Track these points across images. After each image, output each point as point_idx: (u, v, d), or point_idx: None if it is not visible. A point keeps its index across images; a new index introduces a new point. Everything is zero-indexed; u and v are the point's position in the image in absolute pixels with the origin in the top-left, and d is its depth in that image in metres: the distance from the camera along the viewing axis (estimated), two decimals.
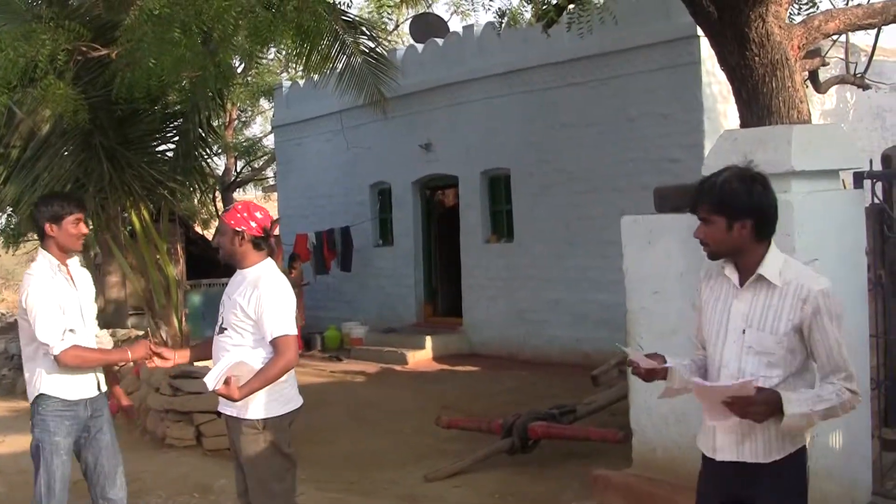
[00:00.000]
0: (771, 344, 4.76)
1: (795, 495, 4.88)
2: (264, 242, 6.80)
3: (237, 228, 6.67)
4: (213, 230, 29.28)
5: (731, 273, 4.97)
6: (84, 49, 13.18)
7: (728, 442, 4.93)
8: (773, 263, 4.85)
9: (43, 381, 7.08)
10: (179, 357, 7.39)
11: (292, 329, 6.63)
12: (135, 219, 16.71)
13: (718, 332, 4.98)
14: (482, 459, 11.34)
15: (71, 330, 7.02)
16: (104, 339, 7.98)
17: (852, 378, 4.70)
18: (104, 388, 7.45)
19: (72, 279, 7.23)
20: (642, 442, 8.57)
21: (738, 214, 4.80)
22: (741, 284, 4.92)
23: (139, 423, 13.56)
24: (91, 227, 17.63)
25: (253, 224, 6.70)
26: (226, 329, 6.69)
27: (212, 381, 6.30)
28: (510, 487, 10.63)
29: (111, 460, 7.43)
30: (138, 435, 13.55)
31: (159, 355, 7.03)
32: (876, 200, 7.84)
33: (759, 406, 4.59)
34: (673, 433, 8.25)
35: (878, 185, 7.85)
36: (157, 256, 16.96)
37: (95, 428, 7.33)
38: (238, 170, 39.21)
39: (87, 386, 7.26)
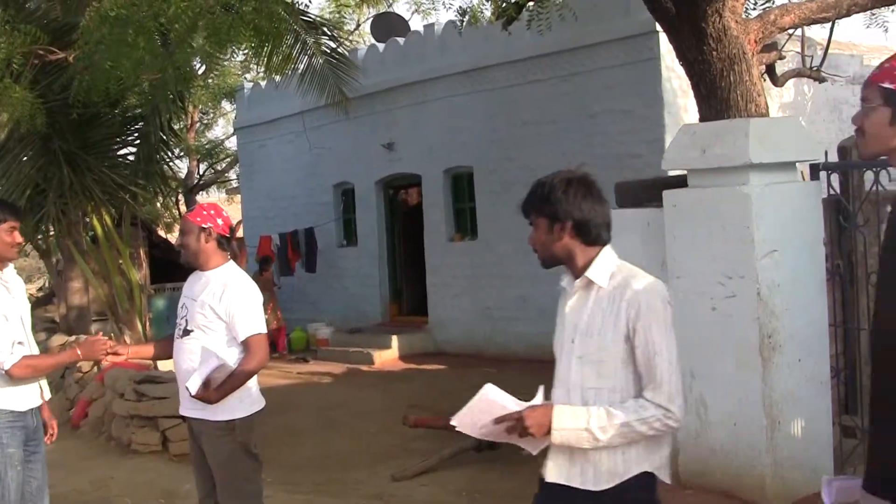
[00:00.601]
0: (596, 351, 4.52)
1: None
2: (228, 243, 6.82)
3: (203, 225, 6.68)
4: (176, 234, 29.20)
5: (567, 282, 4.73)
6: (41, 52, 13.14)
7: (558, 463, 4.63)
8: (603, 267, 4.59)
9: None
10: (136, 352, 7.38)
11: (263, 328, 6.69)
12: (96, 224, 16.68)
13: (556, 341, 4.77)
14: (449, 458, 11.34)
15: (19, 342, 6.95)
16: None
17: (662, 391, 4.38)
18: (48, 395, 7.39)
19: (8, 288, 7.13)
20: None
21: (556, 216, 4.58)
22: (573, 291, 4.69)
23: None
24: (52, 232, 17.58)
25: (220, 221, 6.73)
26: (192, 331, 6.68)
27: (194, 385, 6.32)
28: (478, 485, 10.64)
29: (44, 471, 7.37)
30: (104, 441, 13.52)
31: (114, 353, 6.98)
32: (832, 192, 7.90)
33: (529, 421, 4.40)
34: None
35: (835, 177, 7.90)
36: (120, 261, 16.93)
37: (36, 440, 7.26)
38: (201, 172, 39.16)
39: (33, 395, 7.17)
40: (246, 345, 6.59)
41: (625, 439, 4.40)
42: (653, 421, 4.36)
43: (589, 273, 4.58)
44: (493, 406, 4.50)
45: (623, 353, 4.45)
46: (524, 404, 4.51)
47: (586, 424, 4.37)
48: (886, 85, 3.82)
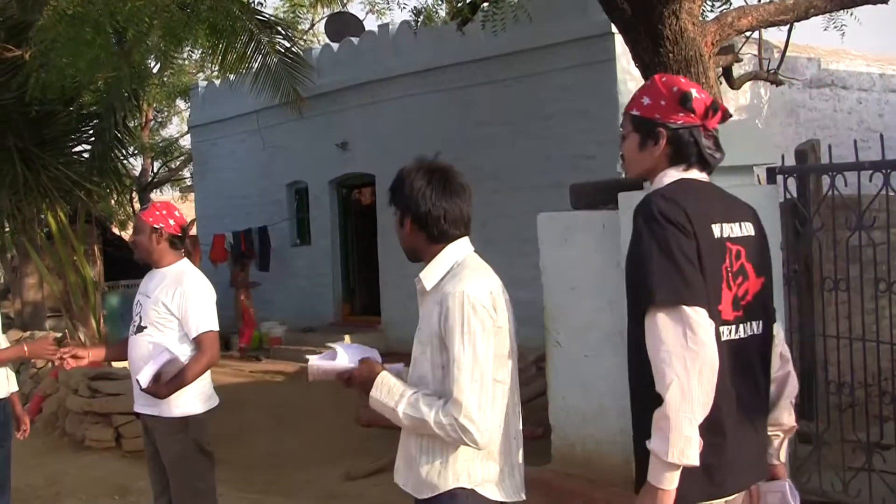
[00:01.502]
0: (419, 356, 4.34)
1: None
2: (181, 242, 6.85)
3: (155, 226, 6.72)
4: (130, 231, 29.06)
5: (418, 279, 4.48)
6: None
7: (399, 466, 4.59)
8: (436, 267, 4.40)
9: None
10: (93, 354, 7.35)
11: (215, 325, 6.71)
12: (51, 220, 16.60)
13: None
14: None
15: None
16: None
17: (459, 406, 4.07)
18: (14, 387, 7.36)
19: None
20: (561, 438, 8.62)
21: (402, 209, 4.50)
22: (417, 292, 4.50)
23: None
24: (7, 228, 17.52)
25: (171, 222, 6.77)
26: (146, 327, 6.70)
27: (145, 378, 6.30)
28: None
29: (7, 469, 7.33)
30: (57, 437, 13.44)
31: (75, 356, 6.94)
32: (789, 196, 7.94)
33: (355, 381, 4.45)
34: (591, 429, 8.30)
35: (792, 181, 7.94)
36: (75, 258, 16.85)
37: (2, 436, 7.23)
38: (155, 170, 38.97)
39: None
40: (197, 342, 6.62)
41: (424, 432, 4.25)
42: (450, 430, 4.12)
43: (421, 273, 4.42)
44: (329, 369, 4.55)
45: (442, 359, 4.24)
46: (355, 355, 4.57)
47: (394, 405, 4.24)
48: (634, 112, 3.96)
